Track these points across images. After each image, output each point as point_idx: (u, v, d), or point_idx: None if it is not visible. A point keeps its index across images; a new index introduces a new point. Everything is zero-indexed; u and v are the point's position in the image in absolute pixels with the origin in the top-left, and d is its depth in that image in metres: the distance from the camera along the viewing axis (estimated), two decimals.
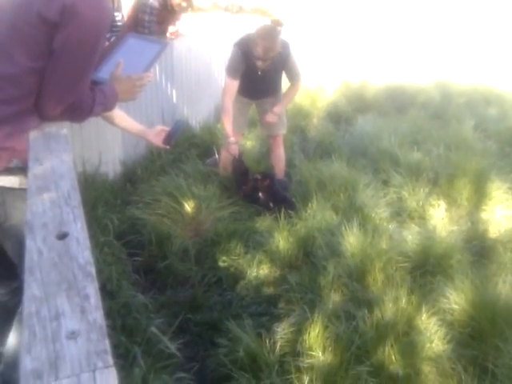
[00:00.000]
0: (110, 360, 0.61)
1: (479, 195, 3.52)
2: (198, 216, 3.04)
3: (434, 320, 2.08)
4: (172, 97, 4.52)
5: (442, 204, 3.44)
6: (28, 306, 0.72)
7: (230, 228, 2.89)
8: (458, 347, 2.01)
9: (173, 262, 2.56)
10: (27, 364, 0.61)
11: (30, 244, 0.87)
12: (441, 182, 3.67)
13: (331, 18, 10.27)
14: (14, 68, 1.29)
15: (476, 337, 2.09)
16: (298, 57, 3.55)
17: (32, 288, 0.76)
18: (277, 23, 3.23)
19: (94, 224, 2.72)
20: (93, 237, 2.58)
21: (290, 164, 3.93)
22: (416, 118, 5.37)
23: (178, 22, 4.00)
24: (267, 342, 1.92)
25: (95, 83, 1.52)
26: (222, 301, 2.33)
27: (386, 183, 3.73)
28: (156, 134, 2.13)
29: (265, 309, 2.26)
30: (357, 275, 2.40)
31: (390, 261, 2.46)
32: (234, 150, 3.32)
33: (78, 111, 1.41)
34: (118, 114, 2.23)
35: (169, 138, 2.08)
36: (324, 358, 1.88)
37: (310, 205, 3.19)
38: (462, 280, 2.31)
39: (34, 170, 1.15)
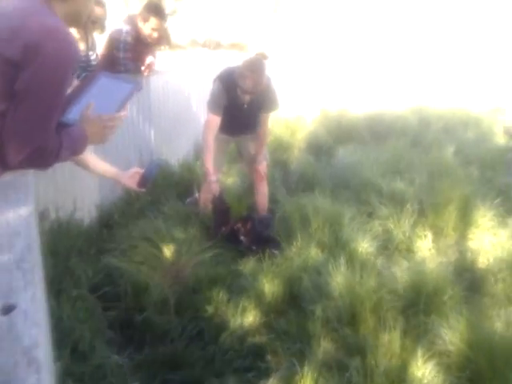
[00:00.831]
0: None
1: (465, 223, 3.46)
2: (177, 261, 2.89)
3: (430, 365, 1.95)
4: (150, 135, 4.43)
5: (429, 235, 3.37)
6: None
7: (212, 273, 2.75)
8: None
9: (151, 315, 2.39)
10: None
11: None
12: (426, 211, 3.61)
13: (309, 48, 10.48)
14: None
15: (475, 380, 1.97)
16: (278, 88, 3.52)
17: None
18: (262, 56, 3.20)
19: (67, 276, 2.57)
20: (65, 290, 2.42)
21: (272, 199, 3.83)
22: (396, 146, 5.38)
23: (153, 56, 3.95)
24: None
25: (64, 125, 1.42)
26: (204, 356, 2.16)
27: (370, 215, 3.65)
28: (130, 177, 2.04)
29: (251, 363, 2.10)
30: (347, 318, 2.27)
31: (381, 300, 2.35)
32: (215, 188, 3.22)
33: (41, 159, 1.30)
34: (91, 159, 2.13)
35: (144, 181, 2.00)
36: None
37: (294, 243, 3.08)
38: (456, 318, 2.20)
39: None
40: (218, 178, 3.41)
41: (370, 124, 6.58)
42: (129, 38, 3.63)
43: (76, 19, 1.44)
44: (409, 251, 3.23)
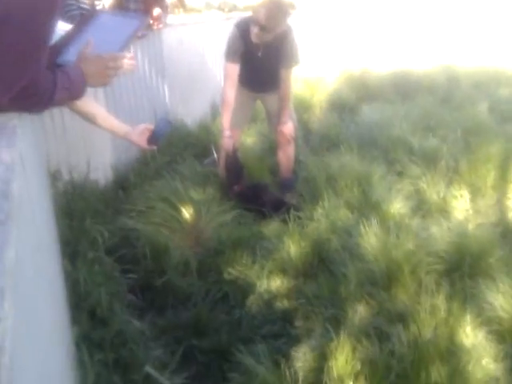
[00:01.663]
0: None
1: (505, 182, 3.20)
2: (197, 223, 2.72)
3: (480, 333, 1.77)
4: (164, 95, 4.20)
5: (466, 194, 3.13)
6: None
7: (234, 235, 2.58)
8: None
9: (172, 278, 2.24)
10: None
11: None
12: (461, 169, 3.35)
13: (329, 6, 9.92)
14: None
15: None
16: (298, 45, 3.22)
17: None
18: (290, 5, 2.93)
19: (82, 238, 2.42)
20: (80, 253, 2.28)
21: (294, 160, 3.61)
22: (425, 103, 5.03)
23: (160, 8, 3.69)
24: (287, 372, 1.61)
25: (60, 67, 1.22)
26: (230, 321, 2.01)
27: (401, 174, 3.41)
28: (139, 134, 1.85)
29: (280, 329, 1.95)
30: (383, 283, 2.09)
31: (421, 263, 2.15)
32: (228, 144, 3.03)
33: (34, 98, 1.09)
34: (101, 113, 1.94)
35: (154, 138, 1.83)
36: None
37: (320, 203, 2.88)
38: (506, 282, 1.99)
39: None
40: (235, 136, 3.20)
41: (395, 82, 6.20)
42: None
43: None
44: (444, 212, 3.00)
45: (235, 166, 3.11)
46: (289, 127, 3.21)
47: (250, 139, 4.19)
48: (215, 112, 4.96)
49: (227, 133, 3.02)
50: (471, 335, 1.76)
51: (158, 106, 4.05)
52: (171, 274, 2.27)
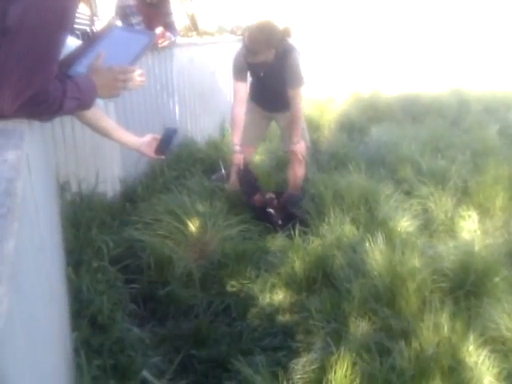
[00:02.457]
0: None
1: None
2: (203, 236, 2.74)
3: (484, 352, 1.73)
4: (175, 112, 4.28)
5: (474, 215, 3.10)
6: None
7: (239, 248, 2.58)
8: None
9: (175, 289, 2.24)
10: None
11: None
12: (470, 190, 3.33)
13: (338, 29, 10.10)
14: None
15: None
16: (307, 67, 3.28)
17: None
18: (286, 32, 2.98)
19: (87, 247, 2.45)
20: (85, 261, 2.30)
21: (303, 179, 3.62)
22: (434, 125, 5.05)
23: (167, 24, 3.81)
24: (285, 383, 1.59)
25: (70, 78, 1.27)
26: (230, 332, 2.00)
27: (408, 194, 3.40)
28: (147, 145, 1.89)
29: (280, 342, 1.93)
30: (387, 299, 2.06)
31: (425, 281, 2.12)
32: (239, 159, 3.08)
33: (43, 105, 1.13)
34: (113, 126, 1.98)
35: (162, 147, 1.86)
36: None
37: (326, 219, 2.87)
38: (511, 302, 1.96)
39: None
40: (247, 152, 3.24)
41: (404, 105, 6.24)
42: (130, 1, 3.54)
43: None
44: (451, 232, 2.97)
45: (249, 179, 3.17)
46: (301, 147, 3.23)
47: (258, 157, 4.23)
48: (224, 129, 5.03)
49: (237, 148, 3.09)
50: (474, 353, 1.72)
51: (169, 123, 4.12)
52: (174, 285, 2.27)
